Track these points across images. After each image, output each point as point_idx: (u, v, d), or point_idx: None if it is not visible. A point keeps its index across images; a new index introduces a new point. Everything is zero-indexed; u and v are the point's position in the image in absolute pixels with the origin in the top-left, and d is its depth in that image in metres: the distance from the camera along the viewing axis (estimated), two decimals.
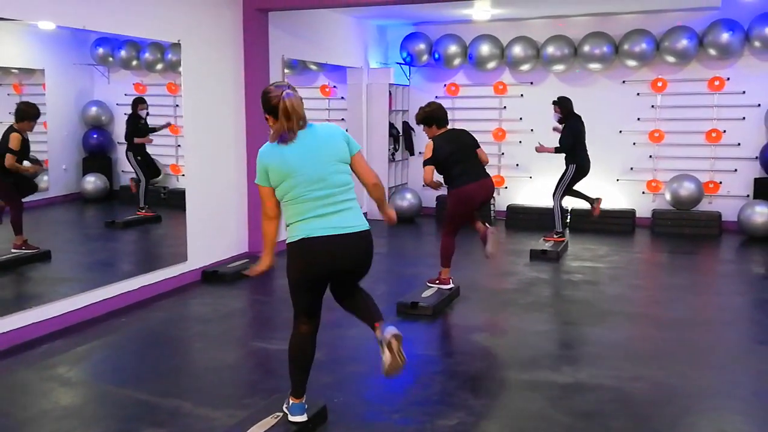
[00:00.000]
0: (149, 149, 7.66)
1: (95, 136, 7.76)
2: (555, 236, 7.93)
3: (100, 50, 7.54)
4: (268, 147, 3.35)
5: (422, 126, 5.99)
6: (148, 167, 7.64)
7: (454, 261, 6.02)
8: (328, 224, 3.27)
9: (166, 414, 3.78)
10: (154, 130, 7.61)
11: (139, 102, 7.48)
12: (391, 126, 9.95)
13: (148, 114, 7.51)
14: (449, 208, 6.02)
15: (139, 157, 7.57)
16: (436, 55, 9.86)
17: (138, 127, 7.50)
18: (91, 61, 7.47)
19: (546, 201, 8.71)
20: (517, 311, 5.68)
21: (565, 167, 7.83)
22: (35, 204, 6.55)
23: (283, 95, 3.24)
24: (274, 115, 3.27)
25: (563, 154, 7.83)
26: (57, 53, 6.82)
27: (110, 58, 7.59)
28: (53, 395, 4.07)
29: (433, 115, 5.90)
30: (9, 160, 5.85)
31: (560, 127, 7.97)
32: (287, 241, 3.34)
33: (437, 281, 6.01)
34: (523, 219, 9.48)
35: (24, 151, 5.98)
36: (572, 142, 7.70)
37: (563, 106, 7.80)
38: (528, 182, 9.89)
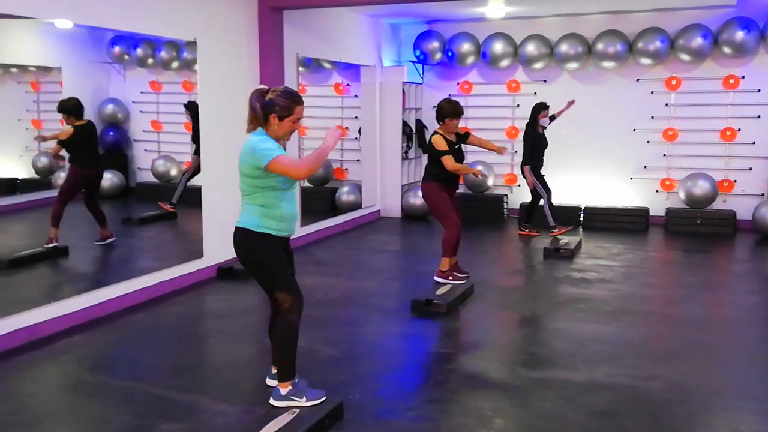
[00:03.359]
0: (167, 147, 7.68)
1: (111, 133, 7.82)
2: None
3: (117, 48, 7.58)
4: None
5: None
6: None
7: (467, 259, 6.03)
8: None
9: (183, 409, 3.81)
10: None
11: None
12: (405, 124, 9.96)
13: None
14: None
15: None
16: (450, 53, 9.86)
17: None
18: (107, 59, 7.53)
19: (559, 199, 8.69)
20: (531, 309, 5.69)
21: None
22: (50, 200, 6.61)
23: None
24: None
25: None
26: (74, 51, 6.88)
27: (126, 56, 7.64)
28: (71, 390, 4.11)
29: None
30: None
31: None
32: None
33: None
34: (536, 217, 9.45)
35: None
36: None
37: None
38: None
